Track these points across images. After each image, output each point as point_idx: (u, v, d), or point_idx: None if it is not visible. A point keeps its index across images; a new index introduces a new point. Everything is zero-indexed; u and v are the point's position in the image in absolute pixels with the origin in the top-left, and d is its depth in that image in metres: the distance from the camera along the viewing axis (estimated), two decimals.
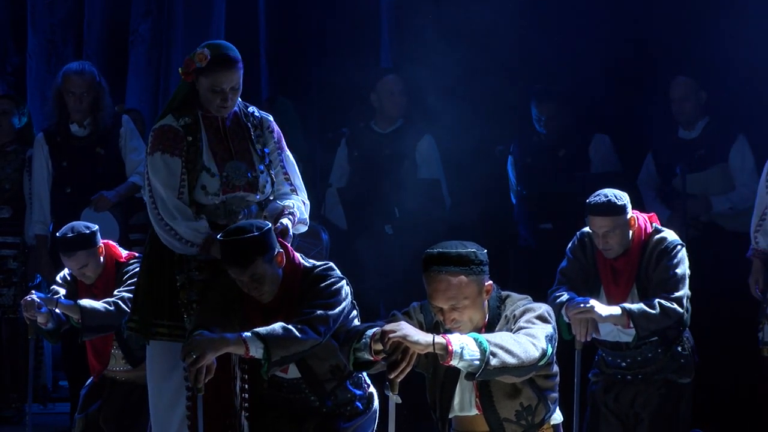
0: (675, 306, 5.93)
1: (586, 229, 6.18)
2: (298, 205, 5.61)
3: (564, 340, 5.92)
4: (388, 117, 8.23)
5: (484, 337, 4.41)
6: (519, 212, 8.12)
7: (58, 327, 6.55)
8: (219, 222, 5.46)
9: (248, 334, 5.02)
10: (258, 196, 5.56)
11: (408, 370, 4.43)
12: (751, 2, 7.84)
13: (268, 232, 5.18)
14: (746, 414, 7.19)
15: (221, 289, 5.33)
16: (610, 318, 5.93)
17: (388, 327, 4.42)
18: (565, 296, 6.02)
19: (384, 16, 9.27)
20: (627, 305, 5.95)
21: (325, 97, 9.01)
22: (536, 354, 4.44)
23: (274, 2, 9.51)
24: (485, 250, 4.67)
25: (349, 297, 5.30)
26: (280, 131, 5.72)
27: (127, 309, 6.14)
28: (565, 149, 8.00)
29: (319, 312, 5.12)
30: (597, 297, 6.09)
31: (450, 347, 4.34)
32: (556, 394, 4.75)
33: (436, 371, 4.76)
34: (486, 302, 4.67)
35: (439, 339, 4.37)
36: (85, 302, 6.40)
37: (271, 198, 5.63)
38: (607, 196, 6.02)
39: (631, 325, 5.92)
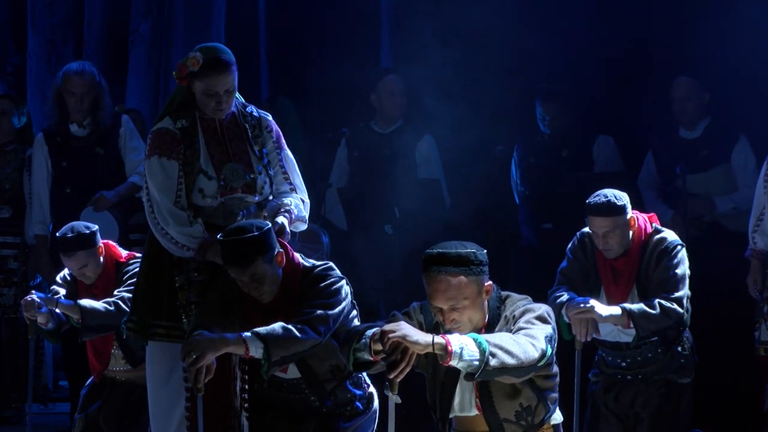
0: (675, 306, 5.93)
1: (587, 229, 6.18)
2: (296, 203, 5.61)
3: (564, 340, 5.92)
4: (388, 117, 8.23)
5: (484, 337, 4.41)
6: (522, 212, 8.12)
7: (59, 327, 6.55)
8: (218, 223, 5.46)
9: (248, 334, 5.02)
10: (256, 198, 5.56)
11: (407, 370, 4.43)
12: (752, 2, 7.84)
13: (268, 232, 5.18)
14: (746, 414, 7.19)
15: (221, 289, 5.33)
16: (611, 318, 5.93)
17: (387, 327, 4.42)
18: (565, 296, 6.02)
19: (384, 16, 9.27)
20: (627, 305, 5.95)
21: (325, 97, 9.02)
22: (536, 354, 4.44)
23: (274, 2, 9.51)
24: (485, 251, 4.66)
25: (349, 297, 5.30)
26: (279, 130, 5.72)
27: (127, 309, 6.13)
28: (569, 149, 8.00)
29: (319, 312, 5.12)
30: (597, 297, 6.09)
31: (449, 347, 4.34)
32: (556, 395, 4.75)
33: (436, 371, 4.76)
34: (486, 303, 4.67)
35: (438, 339, 4.37)
36: (85, 302, 6.40)
37: (271, 198, 5.63)
38: (607, 197, 6.02)
39: (631, 325, 5.92)
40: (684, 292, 6.00)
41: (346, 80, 8.40)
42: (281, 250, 5.24)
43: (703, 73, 7.79)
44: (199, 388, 5.01)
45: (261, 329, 5.03)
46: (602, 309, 5.92)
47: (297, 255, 5.36)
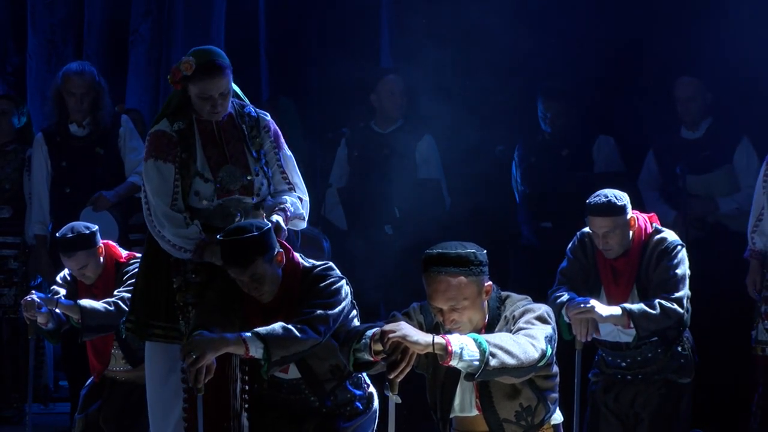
0: (675, 306, 5.94)
1: (587, 229, 6.18)
2: (293, 201, 5.61)
3: (564, 340, 5.92)
4: (388, 117, 8.23)
5: (484, 337, 4.41)
6: (521, 211, 8.12)
7: (59, 327, 6.55)
8: (216, 224, 5.46)
9: (248, 334, 5.02)
10: (254, 199, 5.56)
11: (408, 370, 4.43)
12: (753, 2, 7.84)
13: (268, 232, 5.19)
14: (746, 414, 7.19)
15: (220, 289, 5.33)
16: (611, 318, 5.93)
17: (387, 327, 4.42)
18: (565, 296, 6.02)
19: (384, 15, 9.26)
20: (627, 305, 5.95)
21: (325, 97, 9.01)
22: (536, 355, 4.44)
23: (274, 2, 9.51)
24: (485, 251, 4.66)
25: (349, 297, 5.30)
26: (277, 129, 5.71)
27: (126, 309, 6.14)
28: (569, 149, 8.00)
29: (319, 312, 5.12)
30: (597, 297, 6.09)
31: (449, 347, 4.34)
32: (556, 395, 4.75)
33: (436, 372, 4.76)
34: (486, 303, 4.67)
35: (438, 339, 4.37)
36: (85, 302, 6.41)
37: (268, 198, 5.63)
38: (607, 197, 6.02)
39: (632, 326, 5.93)
40: (684, 292, 6.00)
41: (346, 80, 8.40)
42: (281, 250, 5.24)
43: (704, 73, 7.79)
44: (199, 388, 5.01)
45: (261, 329, 5.03)
46: (602, 309, 5.92)
47: (297, 255, 5.36)
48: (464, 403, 4.76)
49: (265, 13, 9.51)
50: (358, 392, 5.43)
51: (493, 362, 4.35)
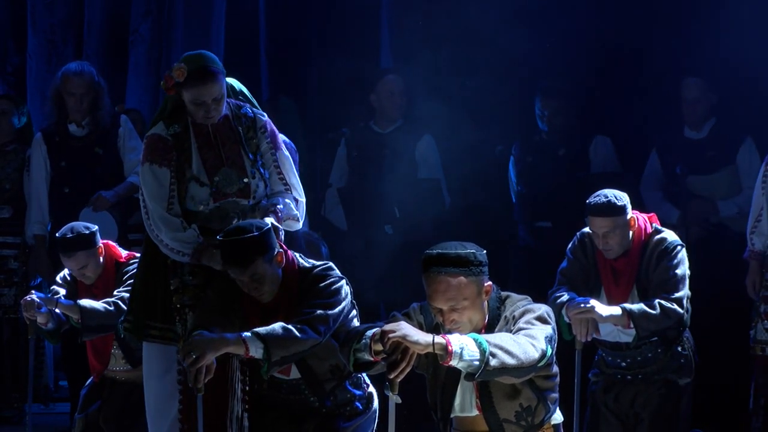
0: (675, 306, 5.93)
1: (586, 229, 6.18)
2: (286, 201, 5.60)
3: (564, 340, 5.92)
4: (387, 117, 8.22)
5: (484, 337, 4.41)
6: (518, 211, 8.12)
7: (58, 327, 6.55)
8: (214, 227, 5.47)
9: (248, 334, 5.02)
10: (250, 202, 5.56)
11: (408, 370, 4.43)
12: (755, 2, 7.84)
13: (268, 232, 5.19)
14: (746, 414, 7.19)
15: (220, 289, 5.33)
16: (611, 318, 5.93)
17: (387, 327, 4.42)
18: (565, 296, 6.02)
19: (384, 15, 9.26)
20: (627, 305, 5.95)
21: (325, 97, 9.02)
22: (536, 355, 4.43)
23: (274, 2, 9.50)
24: (484, 251, 4.66)
25: (349, 297, 5.30)
26: (274, 129, 5.70)
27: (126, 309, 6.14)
28: (566, 149, 8.00)
29: (319, 312, 5.12)
30: (598, 297, 6.09)
31: (450, 347, 4.34)
32: (556, 395, 4.75)
33: (437, 372, 4.76)
34: (485, 303, 4.66)
35: (438, 339, 4.37)
36: (85, 302, 6.41)
37: (265, 198, 5.63)
38: (607, 197, 6.02)
39: (632, 326, 5.92)
40: (684, 292, 6.00)
41: (346, 80, 8.40)
42: (281, 250, 5.24)
43: (705, 73, 7.79)
44: (199, 388, 5.01)
45: (261, 329, 5.03)
46: (602, 309, 5.92)
47: (296, 255, 5.36)
48: (464, 403, 4.76)
49: (265, 13, 9.51)
50: (357, 392, 5.43)
51: (493, 362, 4.35)
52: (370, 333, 4.55)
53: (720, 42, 7.75)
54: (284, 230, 5.53)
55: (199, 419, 5.18)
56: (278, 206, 5.54)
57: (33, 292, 6.59)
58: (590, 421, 6.34)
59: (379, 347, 4.46)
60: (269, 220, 5.40)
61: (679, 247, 6.06)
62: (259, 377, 5.27)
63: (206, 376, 4.98)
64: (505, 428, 4.70)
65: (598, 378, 6.33)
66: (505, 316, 4.65)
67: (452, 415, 4.79)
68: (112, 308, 6.36)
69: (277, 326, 5.04)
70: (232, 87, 6.35)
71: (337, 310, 5.17)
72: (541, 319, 4.57)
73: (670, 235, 6.11)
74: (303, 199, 5.71)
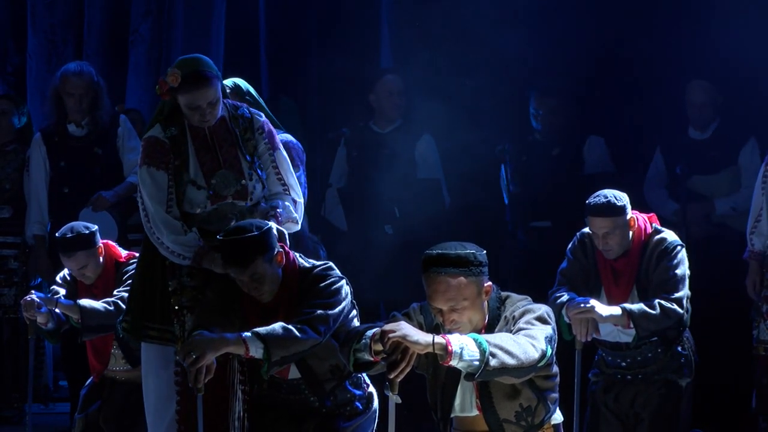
0: (675, 306, 5.93)
1: (586, 229, 6.18)
2: (285, 204, 5.60)
3: (564, 340, 5.92)
4: (386, 117, 8.22)
5: (484, 337, 4.41)
6: (511, 211, 8.10)
7: (58, 327, 6.55)
8: (212, 229, 5.47)
9: (248, 334, 5.02)
10: (248, 203, 5.56)
11: (408, 370, 4.42)
12: (756, 2, 7.85)
13: (268, 231, 5.19)
14: (746, 414, 7.19)
15: (220, 289, 5.33)
16: (611, 318, 5.93)
17: (387, 327, 4.42)
18: (565, 297, 6.02)
19: (384, 15, 9.26)
20: (627, 305, 5.95)
21: (325, 97, 9.01)
22: (536, 355, 4.43)
23: (274, 2, 9.50)
24: (484, 251, 4.66)
25: (349, 297, 5.30)
26: (271, 129, 5.70)
27: None
28: (560, 148, 7.99)
29: (319, 312, 5.12)
30: (598, 297, 6.09)
31: (449, 347, 4.34)
32: (556, 395, 4.75)
33: (437, 372, 4.76)
34: (485, 303, 4.66)
35: (438, 339, 4.37)
36: (85, 302, 6.41)
37: (263, 200, 5.62)
38: (607, 197, 6.02)
39: (632, 326, 5.92)
40: (684, 292, 6.00)
41: (347, 80, 8.39)
42: (281, 250, 5.24)
43: (705, 72, 7.79)
44: (199, 388, 5.01)
45: (261, 329, 5.03)
46: (602, 309, 5.92)
47: (297, 255, 5.36)
48: (464, 403, 4.76)
49: (265, 13, 9.50)
50: (357, 392, 5.43)
51: (493, 362, 4.35)
52: (370, 333, 4.55)
53: (720, 42, 7.75)
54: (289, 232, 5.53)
55: (199, 419, 5.18)
56: (278, 209, 5.54)
57: (33, 292, 6.59)
58: (590, 421, 6.34)
59: (379, 347, 4.46)
60: (273, 225, 5.40)
61: (679, 247, 6.06)
62: (259, 377, 5.27)
63: (206, 376, 4.98)
64: (505, 428, 4.70)
65: (598, 378, 6.32)
66: (505, 317, 4.65)
67: (452, 415, 4.79)
68: (112, 308, 6.36)
69: (277, 326, 5.04)
70: (238, 87, 6.37)
71: (337, 310, 5.17)
72: (541, 320, 4.57)
73: (670, 235, 6.11)
74: (301, 200, 5.71)
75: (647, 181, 7.88)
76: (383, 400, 4.90)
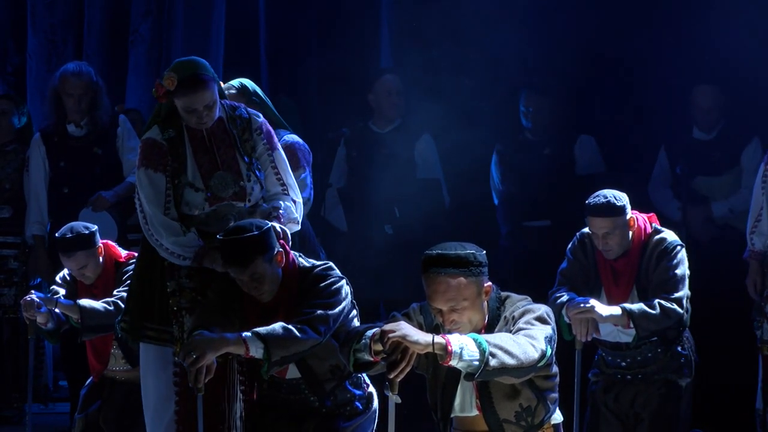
0: (675, 306, 5.93)
1: (586, 229, 6.18)
2: (286, 205, 5.60)
3: (564, 340, 5.92)
4: (385, 117, 8.22)
5: (484, 337, 4.41)
6: (500, 212, 8.10)
7: (58, 327, 6.55)
8: (210, 230, 5.47)
9: (248, 334, 5.02)
10: (246, 205, 5.56)
11: (407, 370, 4.42)
12: (757, 2, 7.85)
13: (268, 231, 5.19)
14: (746, 414, 7.19)
15: (220, 289, 5.33)
16: (611, 318, 5.93)
17: (387, 327, 4.42)
18: (565, 297, 6.02)
19: (384, 15, 9.26)
20: (627, 305, 5.95)
21: (325, 97, 9.01)
22: (535, 355, 4.43)
23: (274, 2, 9.50)
24: (484, 251, 4.66)
25: (349, 297, 5.30)
26: (270, 129, 5.70)
27: None
28: (551, 148, 7.99)
29: (319, 312, 5.12)
30: (598, 297, 6.09)
31: (449, 347, 4.34)
32: (555, 395, 4.75)
33: (437, 372, 4.76)
34: (485, 303, 4.66)
35: (438, 339, 4.37)
36: (85, 302, 6.41)
37: (261, 201, 5.62)
38: (607, 197, 6.02)
39: (632, 326, 5.92)
40: (684, 292, 6.00)
41: (347, 80, 8.39)
42: (281, 249, 5.24)
43: (706, 72, 7.79)
44: (199, 388, 5.01)
45: (261, 329, 5.02)
46: (602, 309, 5.92)
47: (297, 255, 5.36)
48: (464, 403, 4.76)
49: (265, 13, 9.50)
50: (357, 392, 5.43)
51: (492, 362, 4.35)
52: (369, 333, 4.56)
53: (720, 41, 7.74)
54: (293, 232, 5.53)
55: (199, 419, 5.18)
56: (280, 210, 5.54)
57: (33, 292, 6.59)
58: (590, 421, 6.34)
59: (378, 347, 4.46)
60: (276, 225, 5.40)
61: (678, 247, 6.06)
62: (259, 377, 5.27)
63: (206, 376, 4.98)
64: (505, 428, 4.70)
65: (598, 378, 6.32)
66: (505, 317, 4.65)
67: (452, 415, 4.79)
68: (111, 308, 6.36)
69: (278, 326, 5.04)
70: (245, 87, 6.37)
71: (337, 310, 5.17)
72: (541, 320, 4.57)
73: (669, 235, 6.11)
74: (300, 200, 5.71)
75: (652, 180, 7.88)
76: (383, 400, 4.90)
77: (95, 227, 6.58)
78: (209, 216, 5.52)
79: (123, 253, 6.62)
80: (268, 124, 5.70)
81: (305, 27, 9.32)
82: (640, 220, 6.12)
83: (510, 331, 4.55)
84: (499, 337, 4.45)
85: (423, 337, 4.40)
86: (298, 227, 5.67)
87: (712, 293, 6.91)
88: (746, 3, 7.82)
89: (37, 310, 6.40)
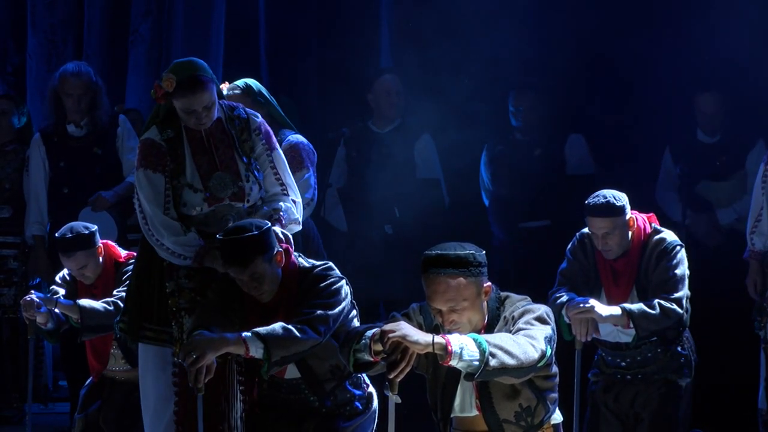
0: (674, 306, 5.94)
1: (586, 230, 6.18)
2: (287, 206, 5.61)
3: (564, 340, 5.92)
4: (385, 117, 8.21)
5: (484, 337, 4.41)
6: (492, 212, 8.09)
7: (58, 327, 6.55)
8: (209, 230, 5.47)
9: (248, 334, 5.02)
10: (245, 205, 5.56)
11: (407, 370, 4.42)
12: (757, 2, 7.85)
13: (268, 231, 5.19)
14: (746, 414, 7.19)
15: (220, 289, 5.33)
16: (611, 318, 5.93)
17: (387, 327, 4.42)
18: (565, 297, 6.02)
19: (384, 15, 9.26)
20: (627, 305, 5.95)
21: (325, 97, 9.01)
22: (535, 355, 4.43)
23: (274, 2, 9.51)
24: (483, 252, 4.66)
25: (349, 297, 5.30)
26: (268, 129, 5.70)
27: None
28: (541, 148, 7.98)
29: (319, 312, 5.12)
30: (598, 298, 6.09)
31: (449, 347, 4.34)
32: (555, 395, 4.75)
33: (437, 372, 4.76)
34: (485, 303, 4.66)
35: (438, 339, 4.37)
36: (85, 302, 6.41)
37: (260, 201, 5.62)
38: (606, 197, 6.02)
39: (631, 326, 5.92)
40: (683, 292, 6.00)
41: (346, 80, 8.39)
42: (281, 249, 5.24)
43: (705, 73, 7.79)
44: (199, 388, 5.01)
45: (261, 329, 5.02)
46: (602, 309, 5.92)
47: (296, 255, 5.36)
48: (464, 404, 4.76)
49: (265, 13, 9.51)
50: (357, 392, 5.43)
51: (492, 362, 4.35)
52: (369, 333, 4.55)
53: (720, 41, 7.74)
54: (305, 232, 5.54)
55: (199, 419, 5.17)
56: (281, 212, 5.54)
57: (32, 292, 6.59)
58: (590, 421, 6.34)
59: (378, 347, 4.46)
60: (278, 229, 5.39)
61: (678, 247, 6.06)
62: (258, 377, 5.27)
63: (206, 376, 4.98)
64: (504, 428, 4.70)
65: (598, 378, 6.32)
66: (505, 317, 4.65)
67: (452, 415, 4.79)
68: (111, 308, 6.36)
69: (278, 326, 5.04)
70: (250, 87, 6.37)
71: (337, 310, 5.17)
72: (541, 320, 4.57)
73: (669, 235, 6.11)
74: (299, 200, 5.72)
75: (658, 183, 7.88)
76: (383, 400, 4.90)
77: (95, 227, 6.58)
78: (208, 216, 5.52)
79: (123, 253, 6.62)
80: (266, 124, 5.70)
81: (305, 27, 9.32)
82: (640, 220, 6.12)
83: (510, 331, 4.55)
84: (499, 337, 4.45)
85: (423, 337, 4.40)
86: (299, 227, 5.68)
87: (712, 293, 6.91)
88: (746, 3, 7.82)
89: (36, 310, 6.41)
